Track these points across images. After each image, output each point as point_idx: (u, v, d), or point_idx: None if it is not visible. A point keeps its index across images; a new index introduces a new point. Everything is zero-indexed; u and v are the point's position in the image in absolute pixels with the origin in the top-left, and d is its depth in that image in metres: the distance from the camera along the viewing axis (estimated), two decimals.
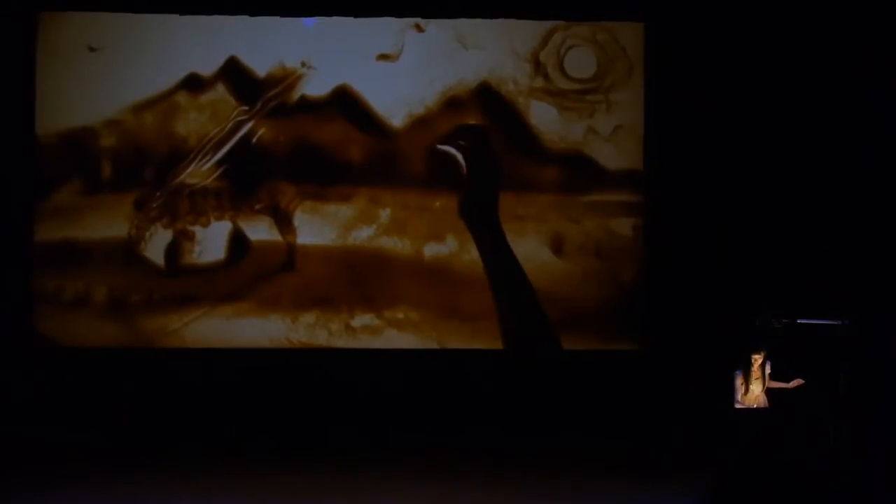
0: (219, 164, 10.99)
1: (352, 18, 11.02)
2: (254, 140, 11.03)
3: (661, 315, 10.96)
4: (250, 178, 11.01)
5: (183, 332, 10.93)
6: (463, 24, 11.07)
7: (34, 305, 10.86)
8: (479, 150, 11.12)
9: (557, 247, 11.11)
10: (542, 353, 11.09)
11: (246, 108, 11.01)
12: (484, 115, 11.12)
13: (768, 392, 8.34)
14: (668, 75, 11.00)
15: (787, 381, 8.40)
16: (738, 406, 8.28)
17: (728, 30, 10.85)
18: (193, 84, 10.98)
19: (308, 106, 11.04)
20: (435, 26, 11.09)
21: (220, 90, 10.99)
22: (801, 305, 8.11)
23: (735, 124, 10.81)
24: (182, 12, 10.93)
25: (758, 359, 8.28)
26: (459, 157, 11.06)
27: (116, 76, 10.91)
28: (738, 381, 8.32)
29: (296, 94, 11.04)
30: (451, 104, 11.08)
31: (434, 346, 11.01)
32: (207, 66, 10.97)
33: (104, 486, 8.79)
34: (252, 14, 10.94)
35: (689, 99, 10.91)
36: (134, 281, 10.91)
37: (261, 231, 11.01)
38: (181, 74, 10.95)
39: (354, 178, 11.06)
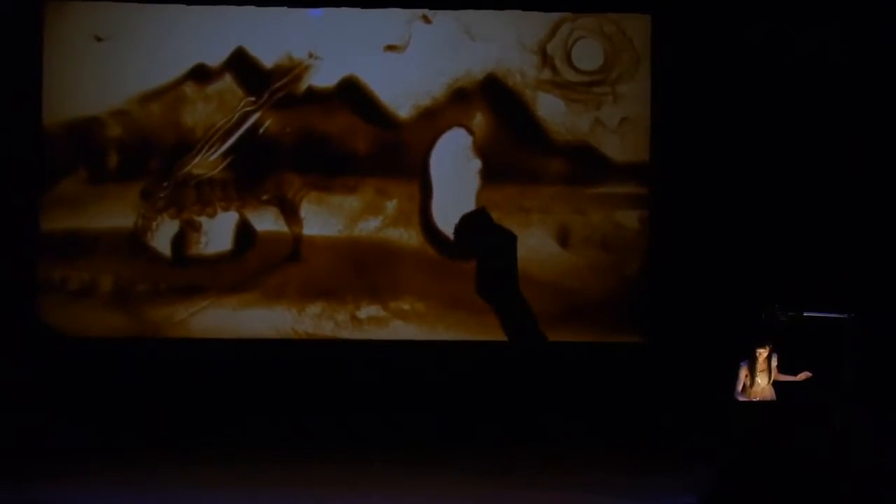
0: (225, 154, 10.97)
1: (359, 9, 11.00)
2: (260, 131, 11.01)
3: (666, 307, 10.97)
4: (257, 169, 11.00)
5: (189, 323, 10.93)
6: (470, 15, 11.05)
7: (39, 295, 10.85)
8: (493, 230, 11.05)
9: (563, 239, 11.11)
10: (546, 346, 11.12)
11: (253, 98, 10.99)
12: (490, 107, 11.12)
13: (775, 385, 8.38)
14: (675, 67, 11.00)
15: (795, 373, 8.44)
16: (740, 398, 8.32)
17: (735, 22, 10.85)
18: (200, 74, 10.95)
19: (315, 97, 11.02)
20: (442, 17, 11.06)
21: (228, 80, 10.97)
22: (806, 299, 8.13)
23: (742, 117, 10.80)
24: (189, 2, 10.91)
25: (763, 352, 8.31)
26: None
27: (123, 66, 10.89)
28: (743, 374, 8.36)
29: (303, 85, 11.02)
30: (458, 95, 11.07)
31: (440, 337, 11.01)
32: (215, 57, 10.95)
33: (108, 474, 8.81)
34: (259, 4, 10.92)
35: (696, 91, 10.90)
36: (140, 271, 10.90)
37: (267, 222, 11.00)
38: (188, 64, 10.93)
39: (361, 169, 11.05)
